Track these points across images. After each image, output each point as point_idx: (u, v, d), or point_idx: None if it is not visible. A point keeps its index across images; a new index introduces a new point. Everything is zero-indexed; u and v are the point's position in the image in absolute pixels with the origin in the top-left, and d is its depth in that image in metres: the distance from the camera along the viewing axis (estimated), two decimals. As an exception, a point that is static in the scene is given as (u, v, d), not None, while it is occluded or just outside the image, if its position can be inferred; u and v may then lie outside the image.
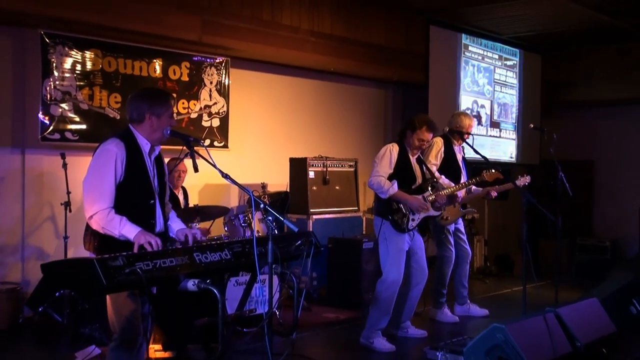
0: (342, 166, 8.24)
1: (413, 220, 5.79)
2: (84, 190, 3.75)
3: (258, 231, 6.62)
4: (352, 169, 8.37)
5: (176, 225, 4.06)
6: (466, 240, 7.04)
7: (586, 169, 11.77)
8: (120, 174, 3.75)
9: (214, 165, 3.84)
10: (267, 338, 3.61)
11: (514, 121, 11.23)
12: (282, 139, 8.73)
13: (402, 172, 5.80)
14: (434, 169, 6.66)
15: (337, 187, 8.11)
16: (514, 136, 11.24)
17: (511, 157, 11.12)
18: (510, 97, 11.15)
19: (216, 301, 3.36)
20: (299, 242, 4.04)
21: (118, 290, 3.13)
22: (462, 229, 7.02)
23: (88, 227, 3.82)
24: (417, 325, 6.46)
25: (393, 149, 5.84)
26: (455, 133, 6.82)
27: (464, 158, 6.97)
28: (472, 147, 6.57)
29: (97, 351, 5.30)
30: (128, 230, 3.63)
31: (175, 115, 3.97)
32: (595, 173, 11.84)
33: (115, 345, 3.79)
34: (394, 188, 5.67)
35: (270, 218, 3.64)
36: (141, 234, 3.61)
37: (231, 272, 4.71)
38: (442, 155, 6.78)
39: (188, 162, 6.54)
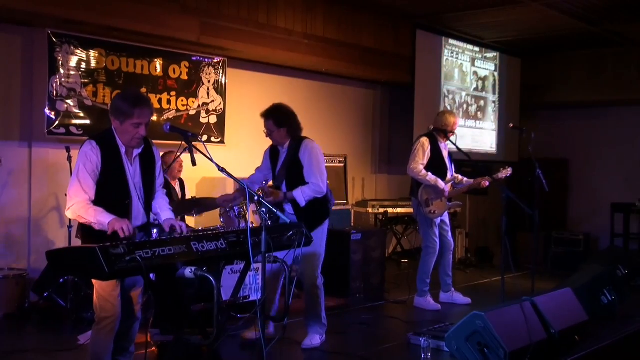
0: (332, 162, 8.24)
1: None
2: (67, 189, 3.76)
3: (252, 222, 6.61)
4: (342, 165, 8.37)
5: (165, 214, 4.03)
6: (450, 232, 7.04)
7: (561, 166, 11.83)
8: (96, 175, 3.73)
9: (211, 159, 3.82)
10: (259, 323, 3.61)
11: (493, 117, 11.23)
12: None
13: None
14: (420, 167, 6.68)
15: (327, 182, 8.08)
16: (495, 127, 11.23)
17: (491, 147, 11.12)
18: (490, 89, 11.12)
19: (212, 288, 3.35)
20: (291, 232, 4.03)
21: (119, 276, 3.11)
22: (448, 222, 7.01)
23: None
24: (401, 313, 6.49)
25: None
26: (440, 131, 6.81)
27: (450, 154, 6.96)
28: (455, 145, 6.57)
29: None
30: (103, 217, 3.59)
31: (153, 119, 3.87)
32: (569, 171, 11.91)
33: (95, 324, 3.82)
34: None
35: (263, 210, 3.61)
36: (115, 220, 3.57)
37: (226, 260, 4.69)
38: (429, 154, 6.76)
39: (186, 156, 6.61)
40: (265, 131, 5.33)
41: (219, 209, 6.55)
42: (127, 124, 3.74)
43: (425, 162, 6.72)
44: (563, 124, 11.76)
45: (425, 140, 6.80)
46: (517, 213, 8.43)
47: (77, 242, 6.29)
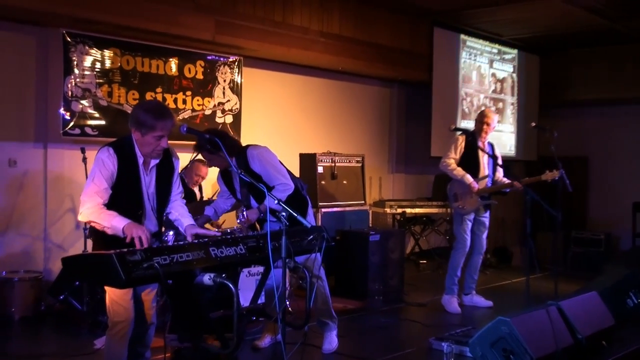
0: (349, 161, 8.11)
1: None
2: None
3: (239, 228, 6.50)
4: (359, 164, 8.24)
5: (186, 220, 3.92)
6: (485, 234, 6.88)
7: (581, 165, 11.63)
8: (111, 182, 3.62)
9: (230, 162, 3.71)
10: (280, 331, 3.49)
11: (512, 119, 11.06)
12: (292, 135, 8.60)
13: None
14: (449, 161, 6.64)
15: (344, 182, 7.98)
16: (513, 129, 11.07)
17: (510, 150, 10.95)
18: (508, 91, 10.96)
19: (230, 294, 3.23)
20: (311, 237, 3.91)
21: (137, 284, 3.00)
22: (486, 223, 6.86)
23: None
24: (422, 316, 6.36)
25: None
26: (477, 129, 6.77)
27: (494, 156, 6.79)
28: (477, 145, 6.48)
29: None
30: (118, 221, 3.47)
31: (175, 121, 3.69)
32: (589, 169, 11.71)
33: (108, 330, 3.73)
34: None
35: (284, 214, 3.48)
36: (132, 225, 3.45)
37: (245, 266, 4.58)
38: (462, 150, 6.69)
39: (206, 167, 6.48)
40: (206, 163, 5.13)
41: (235, 211, 6.43)
42: (149, 136, 3.63)
43: (457, 157, 6.69)
44: (582, 121, 11.57)
45: (460, 137, 6.78)
46: (536, 213, 8.22)
47: (92, 246, 6.22)
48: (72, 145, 6.55)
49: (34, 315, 5.96)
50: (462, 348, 5.07)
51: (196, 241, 3.43)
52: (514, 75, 11.06)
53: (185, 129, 3.73)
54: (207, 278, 3.18)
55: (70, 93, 6.42)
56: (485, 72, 10.41)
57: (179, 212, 3.96)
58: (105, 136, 6.51)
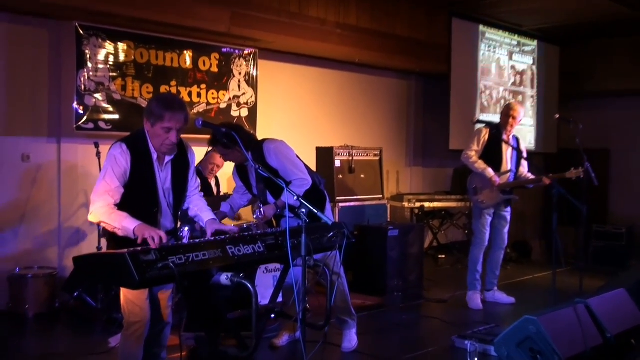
0: (367, 155, 7.94)
1: None
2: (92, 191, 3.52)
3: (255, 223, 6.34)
4: (377, 158, 8.07)
5: (206, 215, 3.78)
6: (506, 229, 6.72)
7: (602, 157, 11.37)
8: (124, 180, 3.48)
9: (247, 156, 3.56)
10: (300, 332, 3.35)
11: (532, 112, 10.84)
12: (309, 129, 8.44)
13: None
14: (471, 154, 6.51)
15: (362, 176, 7.82)
16: (533, 122, 10.85)
17: (530, 144, 10.73)
18: (528, 84, 10.75)
19: (247, 292, 3.08)
20: (332, 233, 3.76)
21: (151, 285, 2.86)
22: (507, 217, 6.69)
23: None
24: (442, 313, 6.20)
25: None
26: (502, 122, 6.62)
27: (519, 150, 6.64)
28: (501, 138, 6.35)
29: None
30: (129, 222, 3.32)
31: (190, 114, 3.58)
32: (610, 161, 11.45)
33: (124, 330, 3.61)
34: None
35: (303, 210, 3.33)
36: (143, 227, 3.29)
37: (264, 264, 4.44)
38: (485, 143, 6.55)
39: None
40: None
41: (252, 205, 6.29)
42: (158, 127, 3.48)
43: (480, 149, 6.55)
44: (603, 113, 11.30)
45: (484, 129, 6.65)
46: (556, 206, 7.98)
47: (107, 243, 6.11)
48: (85, 140, 6.44)
49: (48, 312, 5.87)
50: (486, 347, 4.90)
51: (212, 239, 3.29)
52: (534, 67, 10.84)
53: (200, 122, 3.58)
54: (224, 278, 3.04)
55: (83, 87, 6.30)
56: (504, 65, 10.20)
57: (198, 206, 3.83)
58: (119, 130, 6.39)
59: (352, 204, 7.56)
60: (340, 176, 7.56)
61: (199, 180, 3.95)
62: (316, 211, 3.38)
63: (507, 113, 6.56)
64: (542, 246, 10.61)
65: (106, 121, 6.47)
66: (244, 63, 7.55)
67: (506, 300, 6.71)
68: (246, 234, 3.58)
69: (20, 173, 6.28)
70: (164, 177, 3.64)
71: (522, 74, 10.60)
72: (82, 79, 6.28)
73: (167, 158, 3.63)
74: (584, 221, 6.17)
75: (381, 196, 8.01)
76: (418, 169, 10.21)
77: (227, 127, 4.19)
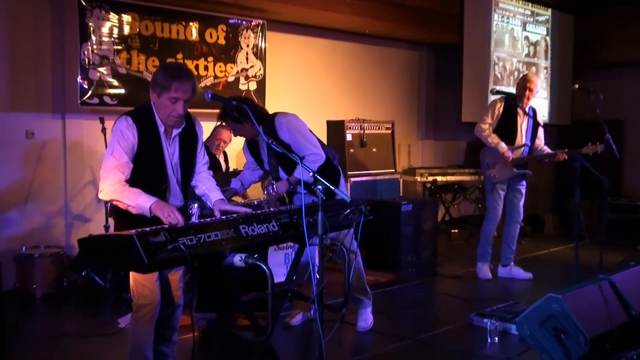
0: (379, 128, 7.73)
1: None
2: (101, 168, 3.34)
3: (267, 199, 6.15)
4: (389, 131, 7.85)
5: (214, 195, 3.60)
6: (522, 202, 6.55)
7: (615, 128, 11.09)
8: (132, 155, 3.30)
9: (259, 131, 3.37)
10: (317, 315, 3.18)
11: (545, 84, 10.57)
12: (318, 102, 8.23)
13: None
14: (484, 127, 6.34)
15: (374, 150, 7.62)
16: (546, 95, 10.59)
17: (544, 117, 10.49)
18: (541, 55, 10.48)
19: (262, 274, 2.92)
20: (348, 210, 3.58)
21: (161, 268, 2.69)
22: (522, 190, 6.53)
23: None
24: (458, 289, 6.05)
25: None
26: (519, 94, 6.41)
27: (536, 122, 6.46)
28: (516, 111, 6.13)
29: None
30: (144, 200, 3.16)
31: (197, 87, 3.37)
32: (624, 133, 11.20)
33: (133, 313, 3.46)
34: None
35: (319, 187, 3.15)
36: (160, 204, 3.14)
37: (278, 243, 4.27)
38: (500, 115, 6.38)
39: (229, 130, 6.17)
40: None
41: (262, 182, 6.12)
42: (164, 97, 3.28)
43: (494, 122, 6.39)
44: (617, 83, 11.00)
45: (498, 102, 6.47)
46: (570, 178, 7.73)
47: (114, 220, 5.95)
48: (90, 115, 6.26)
49: (56, 292, 5.74)
50: (506, 325, 4.76)
51: (224, 218, 3.12)
52: (548, 38, 10.56)
53: (210, 95, 3.38)
54: (237, 259, 2.87)
55: (87, 61, 6.11)
56: (518, 36, 9.93)
57: (206, 185, 3.65)
58: (124, 105, 6.20)
59: (363, 178, 7.36)
60: (352, 150, 7.36)
61: (207, 156, 3.77)
62: (333, 188, 3.20)
63: (524, 85, 6.37)
64: (554, 219, 10.43)
65: (111, 96, 6.28)
66: (252, 35, 7.33)
67: (523, 276, 6.55)
68: (259, 212, 3.41)
69: (25, 150, 6.11)
70: (171, 151, 3.46)
71: (535, 44, 10.33)
72: (86, 53, 6.09)
73: (175, 132, 3.45)
74: (604, 194, 5.97)
75: (393, 170, 7.81)
76: (430, 142, 10.00)
77: (238, 100, 4.01)
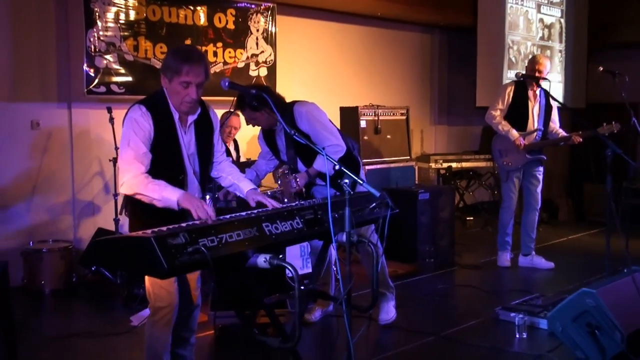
0: (393, 114, 7.49)
1: None
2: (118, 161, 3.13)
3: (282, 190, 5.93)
4: (404, 117, 7.62)
5: (244, 185, 3.39)
6: (539, 188, 6.34)
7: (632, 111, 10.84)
8: (149, 144, 3.10)
9: (280, 120, 3.15)
10: (345, 317, 2.98)
11: (560, 67, 10.30)
12: (331, 87, 7.98)
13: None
14: (495, 113, 6.15)
15: (388, 136, 7.39)
16: (561, 78, 10.33)
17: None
18: (556, 38, 10.21)
19: (279, 277, 2.72)
20: (374, 204, 3.38)
21: (181, 272, 2.48)
22: (539, 176, 6.32)
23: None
24: (478, 280, 5.85)
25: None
26: (530, 77, 6.14)
27: (548, 105, 6.24)
28: (527, 95, 5.94)
29: (151, 313, 4.74)
30: (169, 192, 2.96)
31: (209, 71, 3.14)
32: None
33: (150, 315, 3.26)
34: None
35: (346, 181, 2.93)
36: (188, 197, 2.94)
37: (302, 242, 4.05)
38: (510, 100, 6.17)
39: (238, 117, 5.96)
40: (248, 121, 4.49)
41: (273, 172, 5.90)
42: (176, 82, 3.08)
43: (504, 108, 6.20)
44: (633, 64, 10.72)
45: (508, 86, 6.28)
46: (581, 162, 7.50)
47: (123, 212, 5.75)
48: (97, 105, 6.05)
49: (65, 288, 5.57)
50: (534, 319, 4.56)
51: (244, 215, 2.91)
52: (562, 20, 10.27)
53: (227, 83, 3.17)
54: (262, 260, 2.66)
55: (93, 48, 5.89)
56: (532, 18, 9.64)
57: (232, 175, 3.46)
58: (132, 94, 6.01)
59: (378, 166, 7.14)
60: (366, 137, 7.13)
61: (224, 145, 3.56)
62: (362, 182, 2.99)
63: (532, 67, 6.17)
64: (569, 205, 10.20)
65: (119, 84, 6.06)
66: (262, 19, 7.09)
67: (545, 265, 6.34)
68: (282, 206, 3.21)
69: (30, 141, 5.91)
70: (187, 140, 3.25)
71: (550, 27, 10.04)
72: (92, 40, 5.87)
73: (190, 119, 3.25)
74: (629, 179, 5.76)
75: (408, 157, 7.59)
76: (443, 128, 9.76)
77: (257, 88, 3.80)
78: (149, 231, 2.56)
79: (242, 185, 3.39)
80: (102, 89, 5.97)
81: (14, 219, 5.82)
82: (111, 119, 5.57)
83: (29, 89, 5.87)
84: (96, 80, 5.91)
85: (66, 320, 4.99)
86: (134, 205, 3.18)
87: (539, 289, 5.51)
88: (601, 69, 6.28)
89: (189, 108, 3.17)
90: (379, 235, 3.21)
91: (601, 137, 5.48)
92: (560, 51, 10.30)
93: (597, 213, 9.69)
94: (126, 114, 3.13)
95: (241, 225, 2.70)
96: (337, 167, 3.07)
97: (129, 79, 6.11)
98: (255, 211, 3.03)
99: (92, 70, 5.89)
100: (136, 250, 2.44)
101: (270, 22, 7.15)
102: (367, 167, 7.03)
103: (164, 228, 2.65)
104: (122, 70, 6.08)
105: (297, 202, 3.34)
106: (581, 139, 6.07)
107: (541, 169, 6.35)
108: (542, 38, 9.86)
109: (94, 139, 6.17)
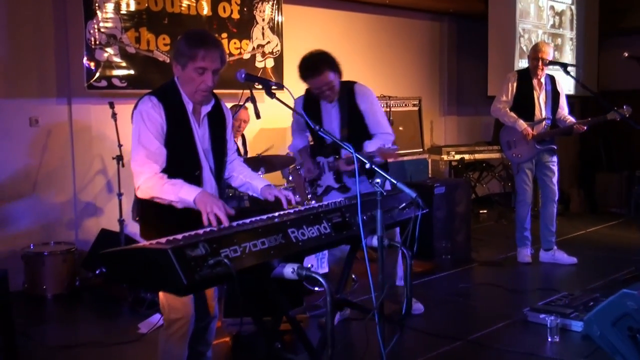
0: (405, 105, 7.21)
1: None
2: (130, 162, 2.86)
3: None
4: (416, 108, 7.34)
5: (258, 182, 3.13)
6: (554, 179, 6.07)
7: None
8: (163, 139, 2.84)
9: (304, 116, 2.89)
10: (378, 328, 2.72)
11: (571, 55, 10.01)
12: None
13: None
14: (500, 105, 5.95)
15: (400, 128, 7.11)
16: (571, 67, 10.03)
17: (569, 90, 9.95)
18: (567, 26, 9.91)
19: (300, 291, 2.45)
20: (404, 204, 3.11)
21: (202, 288, 2.20)
22: (553, 167, 6.05)
23: (135, 196, 3.01)
24: (499, 278, 5.60)
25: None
26: (532, 65, 5.96)
27: (555, 92, 6.01)
28: (531, 84, 5.85)
29: (162, 321, 4.46)
30: (186, 192, 2.70)
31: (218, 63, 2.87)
32: (653, 103, 10.66)
33: (164, 329, 2.99)
34: None
35: (378, 181, 2.67)
36: (204, 196, 2.67)
37: (330, 248, 3.78)
38: (514, 91, 5.97)
39: (247, 110, 5.69)
40: (322, 88, 4.19)
41: (289, 168, 5.63)
42: (190, 68, 2.82)
43: (509, 99, 5.99)
44: (643, 51, 10.47)
45: (511, 75, 6.08)
46: (591, 152, 7.22)
47: (127, 212, 5.49)
48: (99, 100, 5.77)
49: (68, 293, 5.32)
50: (566, 321, 4.30)
51: (266, 219, 2.64)
52: (573, 7, 9.98)
53: (243, 75, 2.91)
54: (289, 271, 2.40)
55: (93, 40, 5.59)
56: (543, 5, 9.35)
57: (243, 173, 3.21)
58: (135, 88, 5.74)
59: (391, 159, 6.81)
60: (378, 130, 6.84)
61: (233, 141, 3.29)
62: (395, 182, 2.73)
63: (535, 55, 5.95)
64: (580, 195, 9.93)
65: (120, 78, 5.77)
66: (268, 8, 6.79)
67: (567, 261, 6.08)
68: (305, 207, 2.94)
69: (29, 139, 5.63)
70: (201, 134, 2.99)
71: (561, 14, 9.76)
72: (92, 32, 5.58)
73: (204, 111, 2.98)
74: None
75: (421, 150, 7.32)
76: (452, 118, 9.47)
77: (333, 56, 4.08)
78: (164, 240, 2.30)
79: (255, 182, 3.14)
80: (103, 83, 5.68)
81: (14, 220, 5.54)
82: (114, 115, 5.28)
83: (26, 84, 5.58)
84: (97, 74, 5.62)
85: (70, 327, 4.71)
86: (145, 209, 2.91)
87: (564, 286, 5.25)
88: (626, 54, 6.01)
89: (203, 97, 2.91)
90: (409, 238, 2.95)
91: (622, 117, 5.30)
92: (571, 39, 10.02)
93: (610, 203, 9.45)
94: (135, 107, 2.86)
95: (265, 232, 2.43)
96: (374, 162, 2.81)
97: (131, 72, 5.82)
98: (277, 214, 2.77)
99: (92, 63, 5.60)
100: (151, 263, 2.18)
101: (277, 11, 6.86)
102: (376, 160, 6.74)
103: (180, 236, 2.39)
104: (124, 64, 5.79)
105: (317, 204, 3.07)
106: (585, 128, 5.79)
107: (555, 159, 6.10)
108: (552, 26, 9.59)
109: (95, 136, 5.89)
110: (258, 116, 4.89)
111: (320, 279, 2.36)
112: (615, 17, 10.33)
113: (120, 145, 5.26)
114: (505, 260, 6.22)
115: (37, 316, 4.94)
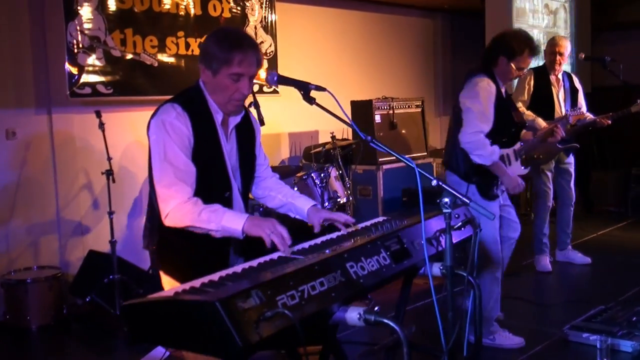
0: (408, 107, 6.78)
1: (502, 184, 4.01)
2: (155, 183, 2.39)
3: (336, 191, 5.21)
4: (419, 110, 6.92)
5: (302, 203, 2.68)
6: (572, 182, 5.87)
7: (635, 94, 10.33)
8: (190, 152, 2.39)
9: (352, 124, 2.45)
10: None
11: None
12: (338, 79, 7.23)
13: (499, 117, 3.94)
14: (520, 105, 5.56)
15: (403, 131, 6.69)
16: (567, 62, 9.76)
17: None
18: (561, 24, 9.63)
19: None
20: (459, 223, 2.69)
21: (259, 349, 1.73)
22: (571, 170, 5.84)
23: (148, 220, 2.55)
24: (523, 290, 5.21)
25: (491, 88, 3.90)
26: (547, 62, 5.70)
27: (573, 88, 5.72)
28: (549, 80, 5.64)
29: (166, 354, 3.97)
30: (230, 219, 2.26)
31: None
32: (649, 98, 10.42)
33: None
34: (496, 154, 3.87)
35: (447, 201, 2.23)
36: (256, 221, 2.25)
37: (390, 282, 3.31)
38: (531, 90, 5.69)
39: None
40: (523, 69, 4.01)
41: (294, 177, 5.19)
42: (223, 74, 2.37)
43: (527, 99, 5.71)
44: (636, 46, 10.23)
45: (527, 75, 5.73)
46: (585, 149, 6.93)
47: (121, 233, 4.97)
48: (82, 108, 5.25)
49: (55, 323, 4.77)
50: (615, 341, 3.91)
51: (309, 245, 2.19)
52: (567, 5, 9.70)
53: (275, 78, 2.47)
54: (354, 316, 1.95)
55: (74, 43, 5.08)
56: (537, 4, 9.05)
57: (282, 193, 2.77)
58: (122, 94, 5.27)
59: (395, 165, 6.39)
60: (381, 133, 6.41)
61: (267, 157, 2.85)
62: (468, 202, 2.30)
63: (552, 50, 5.66)
64: (576, 194, 9.66)
65: (106, 84, 5.26)
66: (260, 7, 6.33)
67: (581, 261, 5.96)
68: (351, 231, 2.50)
69: (5, 153, 5.08)
70: (229, 149, 2.55)
71: (555, 12, 9.48)
72: (73, 34, 5.06)
73: (232, 123, 2.55)
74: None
75: (425, 153, 6.90)
76: (447, 119, 9.07)
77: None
78: (198, 284, 1.85)
79: (299, 203, 2.69)
80: (87, 90, 5.16)
81: (-9, 244, 5.00)
82: (101, 125, 4.77)
83: (1, 93, 5.04)
84: (80, 81, 5.10)
85: (59, 362, 4.21)
86: (168, 236, 2.43)
87: (593, 298, 4.87)
88: (582, 55, 5.90)
89: (236, 107, 2.49)
90: (472, 263, 2.53)
91: (612, 119, 5.16)
92: (565, 37, 9.74)
93: (607, 202, 9.20)
94: (152, 117, 2.40)
95: (323, 270, 1.97)
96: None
97: (117, 77, 5.32)
98: (324, 240, 2.33)
99: (74, 68, 5.08)
100: (191, 319, 1.70)
101: (269, 10, 6.40)
102: (384, 167, 6.32)
103: (216, 277, 1.94)
104: (109, 68, 5.28)
105: (361, 225, 2.63)
106: (610, 121, 5.57)
107: (572, 160, 5.87)
108: (547, 25, 9.31)
109: (79, 148, 5.36)
110: (262, 122, 4.49)
111: (396, 327, 1.92)
112: (607, 11, 10.09)
113: (109, 159, 4.75)
114: (523, 269, 5.84)
115: (20, 350, 4.42)
